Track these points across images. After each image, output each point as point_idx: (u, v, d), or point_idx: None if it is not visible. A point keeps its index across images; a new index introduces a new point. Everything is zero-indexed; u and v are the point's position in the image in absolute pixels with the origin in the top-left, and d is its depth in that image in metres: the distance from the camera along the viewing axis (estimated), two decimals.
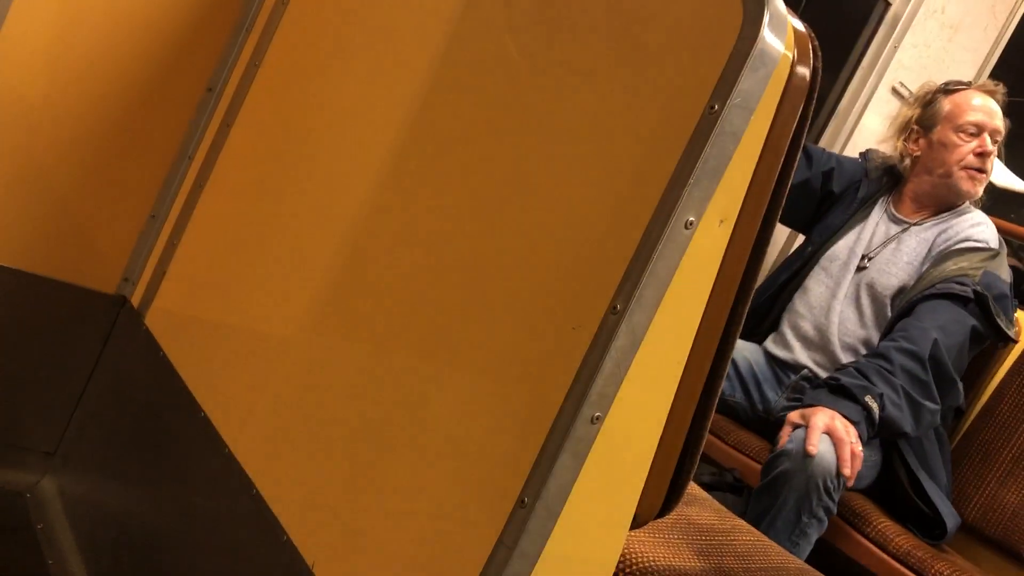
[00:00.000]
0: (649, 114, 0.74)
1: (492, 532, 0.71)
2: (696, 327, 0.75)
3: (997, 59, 2.56)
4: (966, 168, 1.92)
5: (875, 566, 1.60)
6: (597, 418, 0.70)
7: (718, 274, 0.75)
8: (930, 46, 2.30)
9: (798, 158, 0.78)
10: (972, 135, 1.91)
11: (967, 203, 1.97)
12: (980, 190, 1.93)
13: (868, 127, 2.34)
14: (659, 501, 0.81)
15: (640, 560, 0.89)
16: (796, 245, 2.18)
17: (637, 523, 0.80)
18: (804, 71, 0.73)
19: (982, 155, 1.91)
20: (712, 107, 0.69)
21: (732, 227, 0.74)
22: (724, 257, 0.75)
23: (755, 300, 2.11)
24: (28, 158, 1.25)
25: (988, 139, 1.90)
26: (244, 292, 1.19)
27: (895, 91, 2.31)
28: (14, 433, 1.36)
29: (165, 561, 1.10)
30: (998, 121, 1.92)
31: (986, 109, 1.93)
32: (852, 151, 2.30)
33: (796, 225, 2.23)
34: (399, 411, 0.86)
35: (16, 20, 1.18)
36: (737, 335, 0.80)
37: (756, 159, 0.73)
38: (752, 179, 0.74)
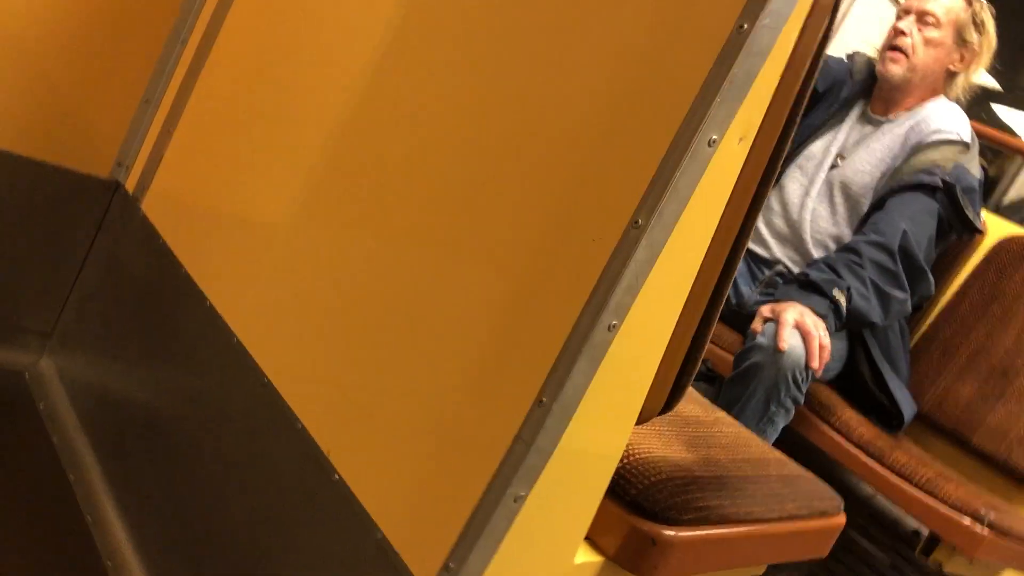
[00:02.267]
0: (679, 31, 0.75)
1: (511, 428, 0.76)
2: (709, 240, 0.79)
3: None
4: (883, 50, 1.96)
5: (838, 454, 1.70)
6: (613, 326, 0.74)
7: (734, 189, 0.78)
8: None
9: (817, 73, 0.79)
10: (900, 17, 1.94)
11: (941, 96, 1.99)
12: (895, 69, 1.93)
13: (855, 25, 2.33)
14: (662, 400, 0.86)
15: (637, 452, 0.94)
16: None
17: (641, 420, 0.85)
18: None
19: (895, 31, 1.93)
20: (741, 26, 0.70)
21: (750, 144, 0.76)
22: (740, 173, 0.78)
23: None
24: (18, 41, 1.22)
25: (911, 19, 1.91)
26: (245, 178, 1.19)
27: None
28: (9, 314, 1.37)
29: (173, 443, 1.14)
30: (931, 3, 1.91)
31: None
32: (839, 50, 2.30)
33: None
34: (420, 302, 0.89)
35: None
36: (744, 247, 0.83)
37: (779, 78, 0.75)
38: (772, 97, 0.76)
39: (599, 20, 0.81)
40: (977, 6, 1.93)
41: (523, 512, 0.77)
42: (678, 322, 0.81)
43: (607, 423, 0.82)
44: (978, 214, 1.87)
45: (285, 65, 1.18)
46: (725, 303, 2.08)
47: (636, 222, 0.72)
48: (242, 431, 1.04)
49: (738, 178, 0.78)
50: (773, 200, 2.05)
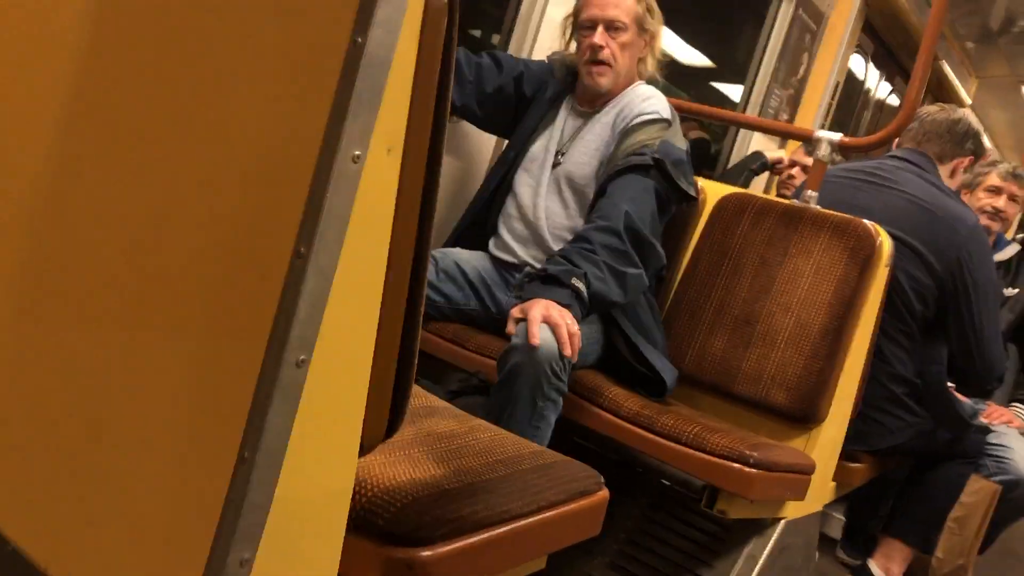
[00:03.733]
0: (298, 53, 0.75)
1: (220, 491, 0.72)
2: (385, 254, 0.78)
3: None
4: (585, 65, 2.06)
5: (611, 431, 1.76)
6: (302, 361, 0.72)
7: (398, 199, 0.78)
8: None
9: (452, 76, 0.81)
10: (589, 30, 2.05)
11: (638, 81, 2.12)
12: (603, 80, 2.05)
13: (551, 27, 2.44)
14: (382, 425, 0.84)
15: (380, 481, 0.92)
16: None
17: (365, 449, 0.83)
18: None
19: (593, 48, 2.03)
20: (356, 39, 0.70)
21: (401, 153, 0.77)
22: (400, 183, 0.78)
23: (472, 210, 2.19)
24: None
25: (600, 31, 2.02)
26: None
27: None
28: None
29: None
30: (612, 11, 2.02)
31: (599, 1, 2.04)
32: (539, 53, 2.41)
33: (498, 131, 2.32)
34: (104, 386, 0.83)
35: None
36: (428, 253, 0.84)
37: (411, 84, 0.76)
38: (411, 104, 0.77)
39: (230, 53, 0.79)
40: None
41: (255, 574, 0.73)
42: (378, 342, 0.80)
43: (326, 461, 0.79)
44: (691, 183, 2.01)
45: None
46: (487, 314, 2.10)
47: (299, 251, 0.71)
48: None
49: (400, 187, 0.78)
50: (510, 206, 2.11)
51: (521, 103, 2.18)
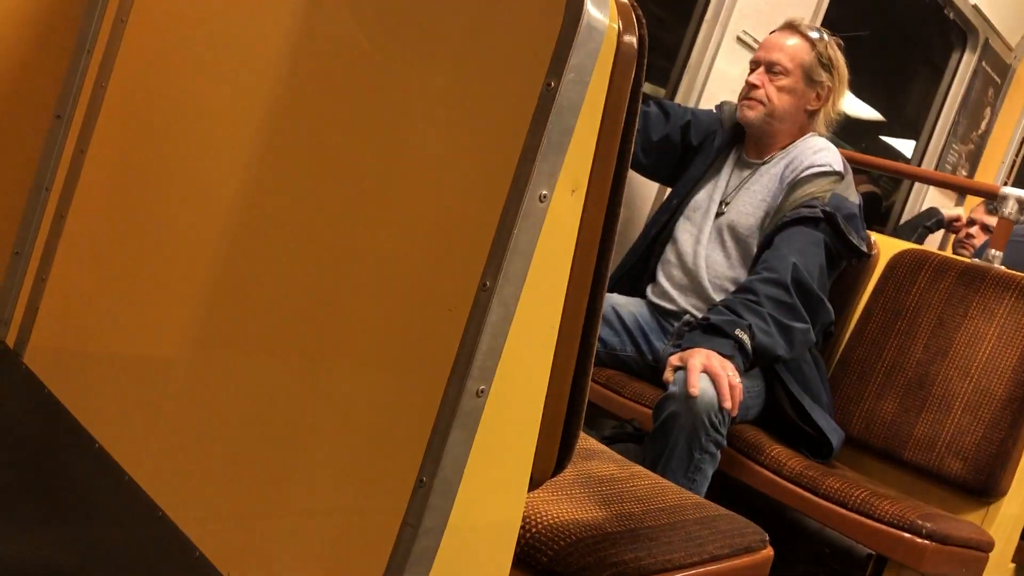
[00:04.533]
0: (492, 97, 0.78)
1: (396, 514, 0.74)
2: (564, 291, 0.80)
3: None
4: (739, 101, 2.09)
5: (771, 490, 1.70)
6: (482, 391, 0.74)
7: (578, 239, 0.80)
8: None
9: (637, 121, 0.82)
10: (752, 71, 2.08)
11: (810, 133, 2.09)
12: (751, 114, 2.05)
13: (719, 77, 2.44)
14: (552, 460, 0.85)
15: (544, 518, 0.93)
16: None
17: (534, 484, 0.84)
18: (631, 39, 0.78)
19: (747, 85, 2.07)
20: (549, 84, 0.73)
21: (584, 194, 0.78)
22: (581, 223, 0.79)
23: (632, 256, 2.19)
24: None
25: (760, 71, 2.05)
26: (123, 316, 1.17)
27: (740, 40, 2.41)
28: None
29: None
30: (775, 54, 2.04)
31: (767, 43, 2.08)
32: (707, 102, 2.40)
33: (661, 179, 2.32)
34: (291, 411, 0.88)
35: None
36: (603, 294, 0.85)
37: (598, 127, 0.78)
38: (596, 146, 0.78)
39: (425, 92, 0.84)
40: (822, 45, 2.04)
41: None
42: (552, 378, 0.82)
43: (496, 493, 0.81)
44: (863, 238, 1.94)
45: (150, 203, 1.18)
46: (643, 361, 2.09)
47: (484, 284, 0.73)
48: (142, 569, 1.00)
49: (580, 227, 0.79)
50: (669, 253, 2.10)
51: (687, 152, 2.18)
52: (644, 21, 0.80)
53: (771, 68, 2.04)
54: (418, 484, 0.74)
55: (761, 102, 2.04)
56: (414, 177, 0.82)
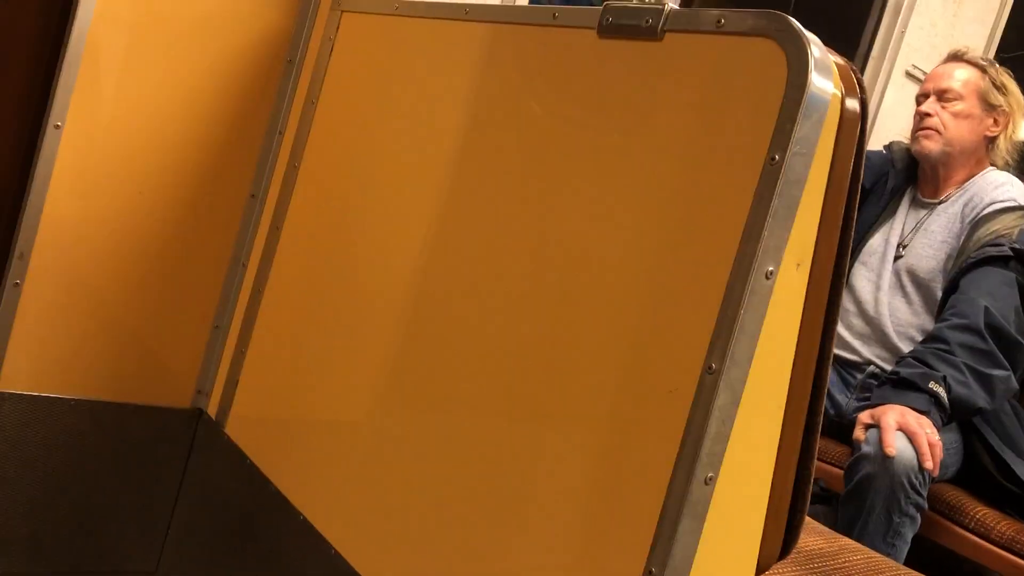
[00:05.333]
0: (714, 171, 0.76)
1: None
2: (790, 370, 0.76)
3: (1006, 22, 2.55)
4: (913, 134, 1.99)
5: (980, 556, 1.58)
6: (710, 479, 0.71)
7: (803, 315, 0.76)
8: (936, 24, 2.31)
9: (859, 186, 0.79)
10: (921, 103, 1.99)
11: (988, 167, 1.97)
12: (930, 145, 1.94)
13: (889, 114, 2.34)
14: (778, 544, 0.81)
15: None
16: None
17: (760, 568, 0.80)
18: (854, 105, 0.75)
19: (920, 116, 1.97)
20: (773, 158, 0.70)
21: (809, 269, 0.75)
22: (806, 298, 0.76)
23: None
24: (88, 289, 1.29)
25: (931, 100, 1.95)
26: (319, 386, 1.21)
27: (909, 75, 2.32)
28: (114, 557, 1.39)
29: None
30: (944, 81, 1.95)
31: (934, 74, 1.99)
32: (876, 141, 2.30)
33: None
34: (506, 484, 0.87)
35: (65, 160, 1.22)
36: (828, 370, 0.81)
37: (822, 199, 0.74)
38: (821, 219, 0.75)
39: (641, 169, 0.83)
40: (993, 71, 1.94)
41: None
42: (778, 460, 0.78)
43: None
44: None
45: (341, 274, 1.22)
46: (825, 416, 2.01)
47: (710, 367, 0.71)
48: None
49: (805, 303, 0.76)
50: (847, 301, 2.01)
51: (860, 194, 2.09)
52: (864, 84, 0.77)
53: (943, 96, 1.94)
54: (646, 575, 0.71)
55: (937, 130, 1.94)
56: (631, 254, 0.81)
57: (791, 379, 0.77)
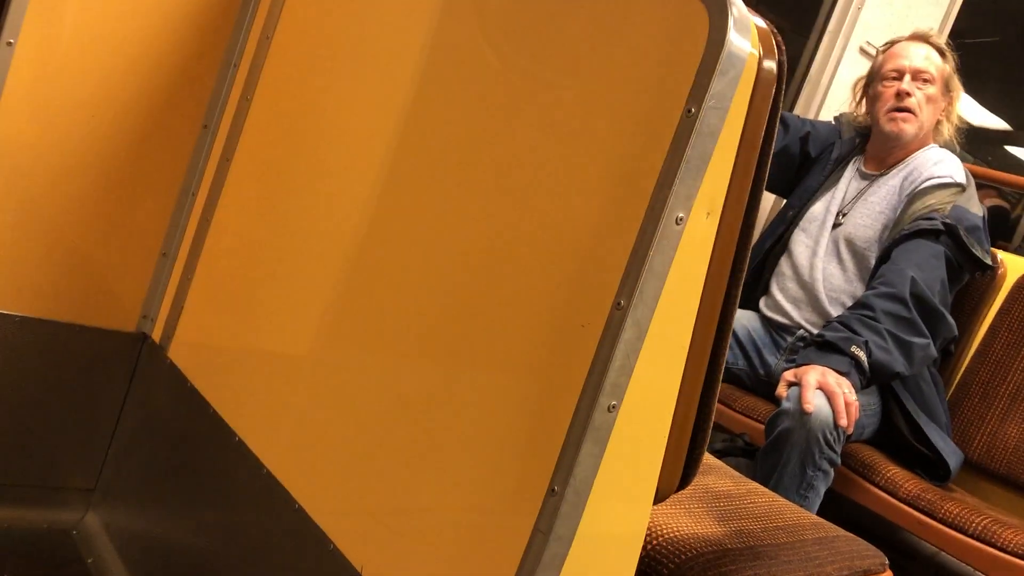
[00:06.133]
0: (632, 120, 0.80)
1: (528, 520, 0.77)
2: (695, 312, 0.81)
3: (961, 4, 2.61)
4: (888, 112, 2.00)
5: (887, 511, 1.67)
6: (613, 407, 0.76)
7: (710, 261, 0.81)
8: (892, 2, 2.36)
9: (773, 144, 0.84)
10: (894, 80, 1.99)
11: (930, 144, 2.03)
12: (907, 128, 1.98)
13: (841, 88, 2.40)
14: (677, 475, 0.87)
15: (665, 531, 0.95)
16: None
17: (659, 497, 0.86)
18: (771, 66, 0.79)
19: (899, 95, 1.98)
20: (689, 110, 0.75)
21: (719, 218, 0.80)
22: (714, 246, 0.81)
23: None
24: (39, 209, 1.30)
25: (908, 79, 1.97)
26: (262, 315, 1.24)
27: (863, 51, 2.37)
28: (54, 474, 1.42)
29: None
30: (921, 62, 1.97)
31: (906, 53, 2.00)
32: (827, 113, 2.36)
33: (777, 190, 2.29)
34: (427, 413, 0.92)
35: (17, 79, 1.23)
36: (733, 314, 0.86)
37: (735, 153, 0.79)
38: (732, 171, 0.80)
39: (570, 115, 0.87)
40: (951, 55, 1.99)
41: None
42: (680, 395, 0.83)
43: (624, 504, 0.83)
44: (987, 251, 1.88)
45: (288, 208, 1.25)
46: (755, 375, 2.09)
47: (619, 304, 0.76)
48: (279, 561, 1.06)
49: (713, 250, 0.81)
50: (784, 265, 2.08)
51: (804, 163, 2.15)
52: (784, 47, 0.81)
53: (919, 76, 1.98)
54: (550, 493, 0.77)
55: (914, 112, 1.98)
56: (550, 195, 0.85)
57: (696, 321, 0.82)
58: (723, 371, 2.01)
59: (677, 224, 0.76)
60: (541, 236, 0.86)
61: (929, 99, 1.98)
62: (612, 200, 0.80)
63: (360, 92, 1.17)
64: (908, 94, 1.97)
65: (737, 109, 0.77)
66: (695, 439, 0.87)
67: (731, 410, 1.90)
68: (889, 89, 2.00)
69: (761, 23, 0.80)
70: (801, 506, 1.58)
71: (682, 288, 0.79)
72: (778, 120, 0.83)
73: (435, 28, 1.08)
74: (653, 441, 0.83)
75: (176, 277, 1.41)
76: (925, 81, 1.98)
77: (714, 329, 0.84)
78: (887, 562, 1.14)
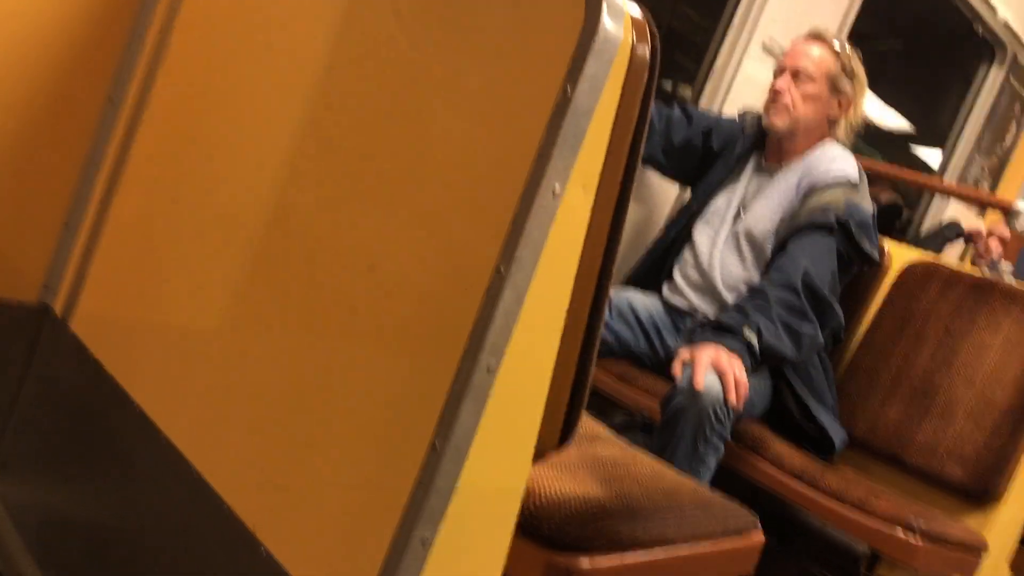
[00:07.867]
0: (515, 98, 0.85)
1: (411, 474, 0.82)
2: (572, 280, 0.87)
3: (859, 6, 2.72)
4: (764, 106, 2.12)
5: (774, 484, 1.77)
6: (492, 367, 0.82)
7: (587, 234, 0.87)
8: (795, 0, 2.46)
9: (647, 127, 0.89)
10: (777, 76, 2.11)
11: (828, 141, 2.13)
12: (779, 122, 2.08)
13: (744, 82, 2.49)
14: (556, 433, 0.92)
15: (548, 491, 1.00)
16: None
17: (539, 454, 0.92)
18: (644, 51, 0.85)
19: (772, 90, 2.10)
20: (566, 90, 0.80)
21: (594, 192, 0.86)
22: (591, 219, 0.86)
23: (651, 255, 2.26)
24: None
25: (786, 77, 2.08)
26: (166, 289, 1.26)
27: (765, 47, 2.47)
28: None
29: (114, 552, 1.17)
30: (801, 60, 2.07)
31: (793, 51, 2.11)
32: (731, 106, 2.46)
33: (681, 180, 2.38)
34: (318, 380, 0.96)
35: None
36: (609, 281, 0.92)
37: (609, 131, 0.85)
38: (608, 149, 0.85)
39: (452, 93, 0.91)
40: (845, 57, 2.09)
41: (434, 555, 0.83)
42: (558, 358, 0.89)
43: (504, 460, 0.88)
44: (875, 246, 2.00)
45: (191, 184, 1.26)
46: (655, 356, 2.15)
47: (499, 269, 0.81)
48: (176, 525, 1.08)
49: (589, 223, 0.86)
50: (686, 254, 2.16)
51: (708, 156, 2.23)
52: (657, 34, 0.87)
53: (797, 74, 2.08)
54: (431, 449, 0.81)
55: (787, 108, 2.08)
56: (438, 167, 0.90)
57: (574, 288, 0.87)
58: (626, 348, 2.07)
59: (554, 196, 0.81)
60: (428, 209, 0.90)
61: (806, 97, 2.07)
62: (495, 173, 0.85)
63: (266, 68, 1.20)
64: (780, 92, 2.08)
65: (611, 90, 0.83)
66: (573, 400, 0.92)
67: (631, 387, 1.97)
68: (772, 85, 2.10)
69: (636, 12, 0.86)
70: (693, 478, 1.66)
71: (559, 256, 0.84)
72: (651, 105, 0.89)
73: (344, 7, 1.11)
74: (531, 401, 0.88)
75: (80, 248, 1.41)
76: (802, 79, 2.07)
77: (591, 295, 0.90)
78: (759, 523, 1.21)
